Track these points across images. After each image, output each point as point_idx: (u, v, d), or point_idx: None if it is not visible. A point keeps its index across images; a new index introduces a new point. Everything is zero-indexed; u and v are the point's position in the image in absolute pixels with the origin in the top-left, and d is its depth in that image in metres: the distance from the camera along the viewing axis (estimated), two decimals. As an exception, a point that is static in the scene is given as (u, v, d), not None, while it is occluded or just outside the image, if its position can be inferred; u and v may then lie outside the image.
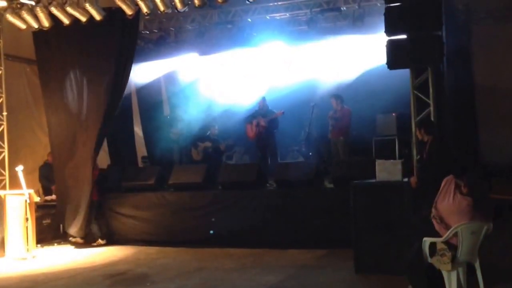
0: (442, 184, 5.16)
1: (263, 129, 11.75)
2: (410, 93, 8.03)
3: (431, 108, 7.77)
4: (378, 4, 11.20)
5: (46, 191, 11.14)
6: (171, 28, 13.65)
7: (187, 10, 9.80)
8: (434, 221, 5.11)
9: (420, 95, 7.91)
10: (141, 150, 14.28)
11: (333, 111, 10.93)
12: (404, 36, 7.75)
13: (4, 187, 10.28)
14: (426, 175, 6.49)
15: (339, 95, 11.07)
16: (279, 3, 12.37)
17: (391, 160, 7.00)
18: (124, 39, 9.84)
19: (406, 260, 5.33)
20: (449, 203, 5.00)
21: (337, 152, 10.77)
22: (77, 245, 10.07)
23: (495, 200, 6.30)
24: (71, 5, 9.32)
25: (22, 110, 11.75)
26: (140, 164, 13.71)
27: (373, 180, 6.76)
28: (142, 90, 14.12)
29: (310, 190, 8.87)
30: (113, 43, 9.80)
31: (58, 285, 7.07)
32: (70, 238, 10.20)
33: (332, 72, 12.30)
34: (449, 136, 8.30)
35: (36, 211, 9.58)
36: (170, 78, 14.54)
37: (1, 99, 10.54)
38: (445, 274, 4.99)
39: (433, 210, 5.15)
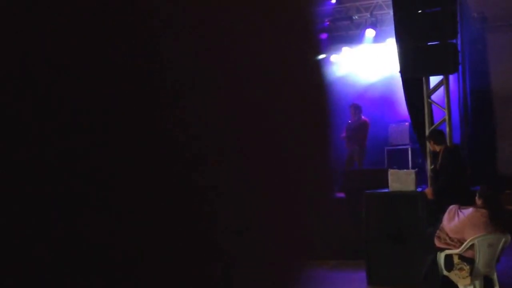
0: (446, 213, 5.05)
1: None
2: (424, 102, 7.92)
3: (446, 117, 7.65)
4: (391, 13, 11.11)
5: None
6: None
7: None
8: (442, 243, 4.96)
9: (435, 103, 7.80)
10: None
11: (351, 120, 10.75)
12: (418, 45, 7.66)
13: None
14: (439, 185, 6.37)
15: (358, 105, 10.88)
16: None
17: (404, 170, 6.89)
18: None
19: (421, 272, 5.21)
20: (460, 220, 4.87)
21: (351, 161, 10.62)
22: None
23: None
24: None
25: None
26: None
27: (386, 190, 6.65)
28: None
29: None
30: None
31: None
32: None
33: (344, 81, 12.21)
34: (466, 145, 8.17)
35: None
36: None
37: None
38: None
39: (440, 233, 5.00)
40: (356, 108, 10.71)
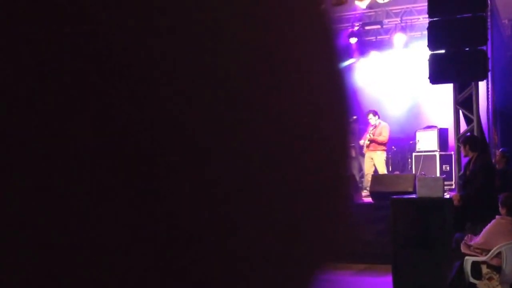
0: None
1: None
2: (452, 108, 7.92)
3: (475, 124, 7.63)
4: (421, 18, 11.10)
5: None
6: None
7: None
8: (471, 251, 4.99)
9: (464, 110, 7.78)
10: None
11: (372, 126, 10.69)
12: (447, 51, 7.64)
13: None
14: (469, 192, 6.35)
15: (374, 111, 10.80)
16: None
17: (432, 176, 6.90)
18: None
19: (447, 278, 5.23)
20: (486, 229, 4.91)
21: (371, 166, 10.52)
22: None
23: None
24: None
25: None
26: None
27: (413, 196, 6.66)
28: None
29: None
30: None
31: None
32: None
33: (373, 86, 12.19)
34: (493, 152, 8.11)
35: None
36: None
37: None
38: (487, 295, 4.86)
39: (467, 240, 5.04)
40: (374, 114, 10.58)
